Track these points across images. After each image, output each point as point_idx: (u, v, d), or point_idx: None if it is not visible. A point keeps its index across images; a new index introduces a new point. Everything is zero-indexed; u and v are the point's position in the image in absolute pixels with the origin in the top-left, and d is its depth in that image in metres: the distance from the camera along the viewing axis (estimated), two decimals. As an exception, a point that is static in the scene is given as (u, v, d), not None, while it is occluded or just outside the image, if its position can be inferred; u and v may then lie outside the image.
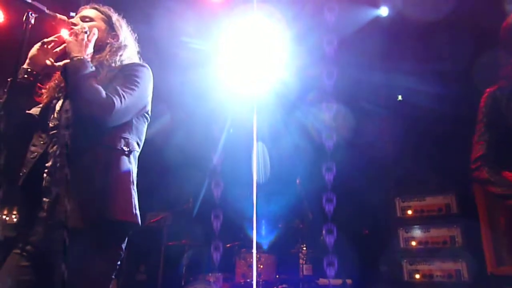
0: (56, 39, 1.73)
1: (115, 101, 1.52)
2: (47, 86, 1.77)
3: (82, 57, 1.55)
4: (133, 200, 1.59)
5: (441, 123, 4.29)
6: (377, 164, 4.57)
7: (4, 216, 1.55)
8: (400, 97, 4.89)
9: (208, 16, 3.96)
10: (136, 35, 1.91)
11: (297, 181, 4.43)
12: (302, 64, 4.47)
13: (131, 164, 1.68)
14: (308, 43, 4.31)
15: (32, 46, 1.71)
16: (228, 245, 4.64)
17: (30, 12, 1.52)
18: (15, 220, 1.54)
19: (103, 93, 1.50)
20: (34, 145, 1.63)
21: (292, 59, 4.41)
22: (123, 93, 1.56)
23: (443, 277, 3.93)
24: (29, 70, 1.63)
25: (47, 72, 1.73)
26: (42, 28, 1.72)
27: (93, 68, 1.55)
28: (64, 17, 1.68)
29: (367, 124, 4.71)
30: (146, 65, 1.74)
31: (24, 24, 1.51)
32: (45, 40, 1.71)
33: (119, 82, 1.60)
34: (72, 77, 1.50)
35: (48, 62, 1.70)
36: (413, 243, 4.12)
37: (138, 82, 1.63)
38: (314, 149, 4.65)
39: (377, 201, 4.33)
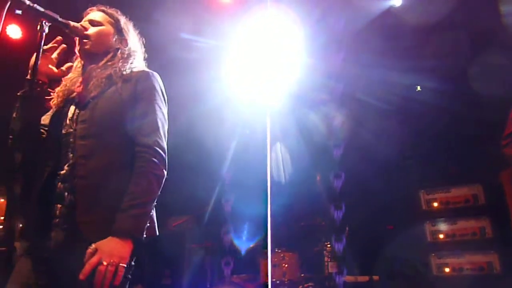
0: (55, 44, 1.69)
1: (160, 153, 1.53)
2: (57, 91, 1.74)
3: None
4: (153, 213, 1.56)
5: (463, 112, 4.17)
6: (399, 158, 4.48)
7: (20, 225, 1.56)
8: (418, 88, 4.79)
9: (218, 16, 3.94)
10: (143, 38, 1.87)
11: (318, 177, 4.38)
12: (315, 62, 4.41)
13: None
14: (321, 40, 4.26)
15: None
16: (252, 246, 4.62)
17: (43, 21, 1.50)
18: (29, 230, 1.54)
19: (152, 171, 1.49)
20: (47, 153, 1.61)
21: (305, 57, 4.36)
22: (158, 136, 1.55)
23: (474, 270, 3.81)
24: (33, 81, 1.57)
25: (54, 79, 1.69)
26: (56, 36, 1.71)
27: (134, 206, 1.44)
28: (78, 24, 1.67)
29: (385, 118, 4.62)
30: (155, 74, 1.69)
31: (38, 33, 1.49)
32: (45, 47, 1.67)
33: (142, 109, 1.57)
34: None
35: (54, 69, 1.67)
36: (441, 236, 4.01)
37: (159, 107, 1.61)
38: (331, 146, 4.59)
39: (400, 195, 4.23)
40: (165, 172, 1.54)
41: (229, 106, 4.58)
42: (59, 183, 1.53)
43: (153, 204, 1.50)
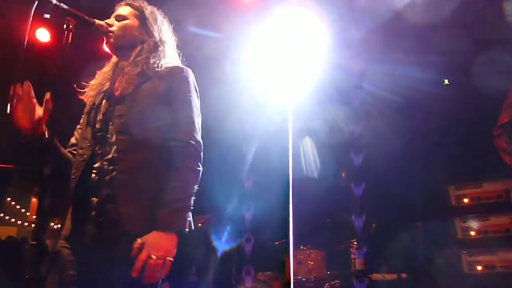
0: (18, 93, 1.56)
1: (196, 147, 1.56)
2: (90, 84, 1.77)
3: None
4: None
5: (495, 106, 4.01)
6: (426, 152, 4.37)
7: (55, 226, 1.59)
8: (446, 81, 4.65)
9: (239, 13, 3.93)
10: (173, 25, 1.87)
11: (343, 174, 4.31)
12: (337, 59, 4.36)
13: None
14: (345, 37, 4.20)
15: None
16: (277, 243, 4.60)
17: (69, 20, 1.52)
18: (66, 230, 1.56)
19: (187, 166, 1.51)
20: (81, 148, 1.64)
21: (328, 54, 4.30)
22: (194, 130, 1.58)
23: (508, 268, 3.67)
24: (27, 135, 1.54)
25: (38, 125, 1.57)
26: (82, 35, 1.74)
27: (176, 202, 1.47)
28: (102, 22, 1.69)
29: (411, 112, 4.52)
30: (188, 69, 1.70)
31: (65, 32, 1.51)
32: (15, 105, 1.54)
33: (178, 105, 1.60)
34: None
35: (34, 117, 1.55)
36: (472, 233, 3.88)
37: (194, 102, 1.64)
38: (357, 143, 4.52)
39: (429, 191, 4.12)
40: (201, 166, 1.56)
41: (250, 106, 4.57)
42: (95, 177, 1.55)
43: (193, 198, 1.52)
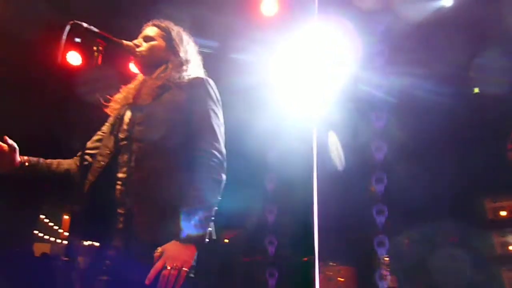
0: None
1: (219, 157, 1.55)
2: (115, 98, 1.82)
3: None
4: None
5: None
6: (458, 164, 4.22)
7: (86, 242, 1.61)
8: (476, 90, 4.50)
9: (262, 29, 3.97)
10: (198, 46, 1.91)
11: (372, 189, 4.22)
12: (362, 71, 4.32)
13: None
14: (370, 47, 4.16)
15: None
16: (305, 259, 4.51)
17: (98, 42, 1.58)
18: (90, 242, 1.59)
19: (208, 178, 1.50)
20: (101, 155, 1.66)
21: (351, 68, 4.28)
22: (216, 139, 1.58)
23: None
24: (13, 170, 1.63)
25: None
26: (111, 55, 1.80)
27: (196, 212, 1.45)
28: (130, 43, 1.75)
29: (439, 124, 4.39)
30: (209, 79, 1.72)
31: (95, 53, 1.57)
32: None
33: (198, 114, 1.61)
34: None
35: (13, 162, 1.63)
36: (511, 248, 3.69)
37: (214, 111, 1.64)
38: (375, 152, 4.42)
39: (463, 205, 3.96)
40: (224, 177, 1.55)
41: (274, 120, 4.57)
42: (119, 187, 1.57)
43: (215, 209, 1.50)
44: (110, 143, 1.67)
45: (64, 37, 1.50)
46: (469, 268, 3.79)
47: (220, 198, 1.53)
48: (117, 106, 1.77)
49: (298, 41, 4.12)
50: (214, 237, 1.55)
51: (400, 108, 4.34)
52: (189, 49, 1.85)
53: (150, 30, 1.83)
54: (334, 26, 3.95)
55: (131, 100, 1.76)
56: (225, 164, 1.57)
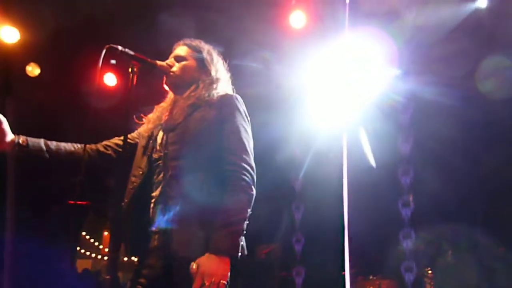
0: None
1: (249, 171, 1.57)
2: (148, 117, 1.85)
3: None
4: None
5: None
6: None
7: (123, 257, 1.65)
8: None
9: (292, 41, 3.99)
10: (226, 63, 1.93)
11: (410, 198, 4.09)
12: (390, 80, 4.25)
13: None
14: (401, 55, 4.09)
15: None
16: (343, 273, 4.40)
17: (133, 64, 1.62)
18: (126, 259, 1.62)
19: (237, 197, 1.52)
20: (134, 176, 1.69)
21: (380, 76, 4.22)
22: (245, 153, 1.60)
23: None
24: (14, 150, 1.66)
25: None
26: (145, 76, 1.85)
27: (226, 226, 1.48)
28: (163, 63, 1.79)
29: (472, 131, 4.21)
30: (237, 96, 1.75)
31: (130, 75, 1.61)
32: None
33: (228, 130, 1.63)
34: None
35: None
36: None
37: (244, 126, 1.67)
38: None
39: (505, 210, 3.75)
40: (254, 191, 1.57)
41: (303, 132, 4.55)
42: (153, 206, 1.61)
43: (246, 223, 1.52)
44: (143, 163, 1.70)
45: (101, 60, 1.56)
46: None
47: (250, 212, 1.54)
48: (150, 125, 1.81)
49: (328, 50, 4.12)
50: (245, 252, 1.55)
51: (430, 115, 4.22)
52: (219, 67, 1.88)
53: (181, 49, 1.86)
54: (363, 35, 3.92)
55: (163, 120, 1.80)
56: (254, 178, 1.59)
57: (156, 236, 1.57)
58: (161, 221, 1.56)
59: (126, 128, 1.63)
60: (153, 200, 1.62)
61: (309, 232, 4.83)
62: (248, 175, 1.56)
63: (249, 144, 1.65)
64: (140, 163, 1.72)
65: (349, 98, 4.25)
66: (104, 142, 1.85)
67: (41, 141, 1.72)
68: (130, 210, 1.61)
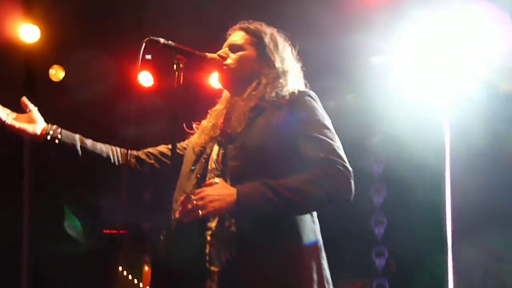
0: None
1: (345, 172, 1.56)
2: (202, 127, 1.85)
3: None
4: (325, 273, 1.63)
5: None
6: None
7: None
8: None
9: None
10: (296, 49, 1.90)
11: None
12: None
13: (315, 225, 1.70)
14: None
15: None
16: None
17: (178, 59, 1.65)
18: None
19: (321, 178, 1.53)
20: (176, 202, 1.66)
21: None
22: (338, 150, 1.60)
23: None
24: (46, 140, 1.73)
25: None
26: (193, 72, 1.90)
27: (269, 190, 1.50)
28: (214, 55, 1.80)
29: None
30: (311, 92, 1.74)
31: (176, 73, 1.64)
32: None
33: (307, 137, 1.63)
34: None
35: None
36: None
37: (328, 128, 1.66)
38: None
39: None
40: (347, 194, 1.55)
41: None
42: (210, 240, 1.59)
43: (296, 211, 1.55)
44: (189, 186, 1.68)
45: (141, 55, 1.61)
46: None
47: (310, 211, 1.58)
48: (203, 139, 1.79)
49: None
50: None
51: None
52: (286, 56, 1.84)
53: (237, 36, 1.86)
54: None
55: (219, 130, 1.78)
56: (352, 184, 1.56)
57: (216, 277, 1.56)
58: (222, 257, 1.55)
59: (173, 136, 1.65)
60: (209, 233, 1.60)
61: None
62: (344, 174, 1.53)
63: (340, 147, 1.61)
64: (186, 186, 1.69)
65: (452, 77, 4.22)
66: (147, 149, 1.89)
67: (76, 136, 1.81)
68: (174, 245, 1.59)
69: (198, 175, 1.70)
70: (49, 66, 4.37)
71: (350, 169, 1.57)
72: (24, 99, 1.77)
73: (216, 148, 1.73)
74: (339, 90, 4.30)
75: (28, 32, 4.02)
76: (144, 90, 4.39)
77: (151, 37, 1.63)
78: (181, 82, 1.65)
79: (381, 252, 4.83)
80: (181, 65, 1.65)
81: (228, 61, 1.80)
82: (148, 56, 1.73)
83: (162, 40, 1.65)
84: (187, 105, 1.88)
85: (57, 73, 4.39)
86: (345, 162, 1.57)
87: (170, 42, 1.67)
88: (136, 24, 3.74)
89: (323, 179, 1.52)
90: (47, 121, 1.81)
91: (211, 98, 2.01)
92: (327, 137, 1.61)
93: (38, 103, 1.83)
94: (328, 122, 1.69)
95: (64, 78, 4.41)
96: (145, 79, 4.39)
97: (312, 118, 1.66)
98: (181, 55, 1.67)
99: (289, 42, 1.91)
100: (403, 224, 4.61)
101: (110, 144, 1.91)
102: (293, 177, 1.54)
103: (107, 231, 5.03)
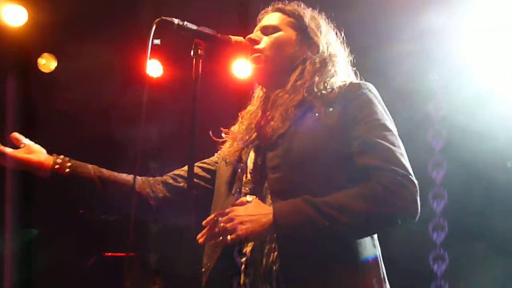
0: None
1: (408, 185, 1.48)
2: (232, 132, 1.82)
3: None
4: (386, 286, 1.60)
5: None
6: None
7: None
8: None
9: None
10: (342, 31, 1.86)
11: None
12: None
13: (374, 239, 1.65)
14: None
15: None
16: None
17: (197, 43, 1.58)
18: None
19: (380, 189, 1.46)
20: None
21: None
22: (400, 158, 1.52)
23: None
24: (55, 168, 1.73)
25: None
26: (213, 59, 1.79)
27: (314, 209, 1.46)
28: (240, 38, 1.72)
29: None
30: (367, 84, 1.68)
31: (194, 60, 1.56)
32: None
33: (364, 139, 1.56)
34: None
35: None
36: None
37: (389, 128, 1.59)
38: None
39: None
40: (410, 213, 1.48)
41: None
42: (244, 268, 1.58)
43: (342, 234, 1.46)
44: (227, 207, 1.61)
45: (151, 40, 1.52)
46: None
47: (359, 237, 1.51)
48: (236, 148, 1.75)
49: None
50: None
51: None
52: (330, 39, 1.81)
53: (271, 17, 1.82)
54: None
55: (255, 132, 1.73)
56: (418, 198, 1.48)
57: None
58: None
59: (191, 139, 1.55)
60: (243, 260, 1.58)
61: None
62: (409, 183, 1.47)
63: (404, 154, 1.54)
64: (223, 207, 1.65)
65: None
66: (173, 172, 1.87)
67: (89, 166, 1.79)
68: (214, 277, 1.60)
69: (235, 192, 1.71)
70: (38, 55, 4.27)
71: (416, 181, 1.50)
72: (15, 134, 1.77)
73: (252, 155, 1.71)
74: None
75: (13, 14, 3.90)
76: (152, 81, 4.32)
77: (163, 18, 1.57)
78: (200, 71, 1.56)
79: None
80: (199, 51, 1.58)
81: (261, 45, 1.75)
82: (157, 41, 1.62)
83: (176, 21, 1.58)
84: (208, 101, 1.79)
85: (47, 63, 4.30)
86: (409, 174, 1.49)
87: (186, 23, 1.59)
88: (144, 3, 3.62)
89: (380, 195, 1.45)
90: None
91: (237, 93, 1.90)
92: (388, 141, 1.54)
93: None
94: (389, 122, 1.63)
95: (56, 68, 4.31)
96: (153, 68, 4.32)
97: (369, 117, 1.60)
98: (200, 38, 1.59)
99: (332, 25, 1.88)
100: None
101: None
102: (342, 192, 1.49)
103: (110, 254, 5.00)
